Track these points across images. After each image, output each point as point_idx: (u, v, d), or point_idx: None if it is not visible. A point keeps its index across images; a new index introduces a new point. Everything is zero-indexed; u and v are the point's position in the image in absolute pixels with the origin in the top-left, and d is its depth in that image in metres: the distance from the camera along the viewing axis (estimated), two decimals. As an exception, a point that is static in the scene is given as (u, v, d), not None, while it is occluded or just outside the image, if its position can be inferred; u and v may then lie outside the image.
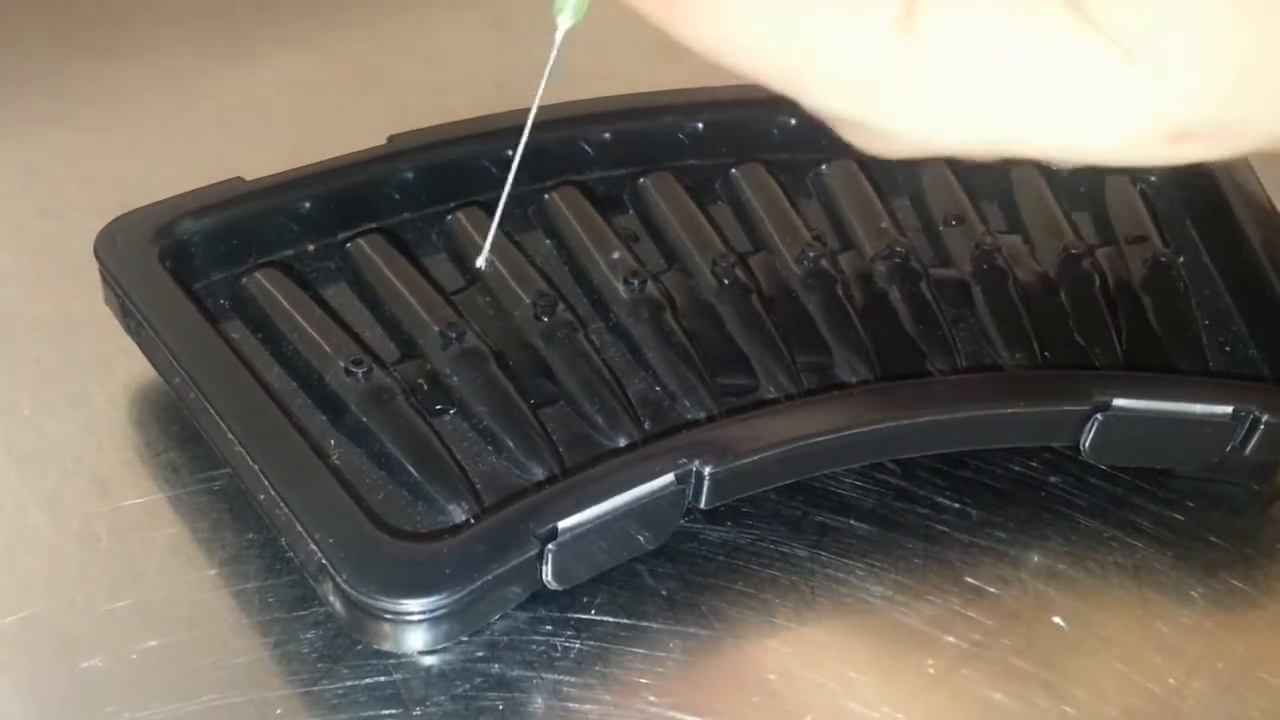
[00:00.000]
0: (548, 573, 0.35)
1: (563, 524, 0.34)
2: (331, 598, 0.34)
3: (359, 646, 0.35)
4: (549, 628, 0.35)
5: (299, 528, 0.34)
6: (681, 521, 0.38)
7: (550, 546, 0.34)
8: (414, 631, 0.34)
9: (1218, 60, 0.30)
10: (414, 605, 0.33)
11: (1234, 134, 0.31)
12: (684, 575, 0.37)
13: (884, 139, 0.33)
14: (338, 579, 0.33)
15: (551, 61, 0.34)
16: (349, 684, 0.34)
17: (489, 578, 0.33)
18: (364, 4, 0.58)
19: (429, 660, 0.35)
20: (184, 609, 0.35)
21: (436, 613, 0.33)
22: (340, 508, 0.34)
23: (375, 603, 0.33)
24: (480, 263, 0.40)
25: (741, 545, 0.38)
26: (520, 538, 0.34)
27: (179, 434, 0.39)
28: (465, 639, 0.35)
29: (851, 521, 0.39)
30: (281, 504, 0.34)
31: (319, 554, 0.33)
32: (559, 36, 0.33)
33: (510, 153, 0.41)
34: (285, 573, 0.36)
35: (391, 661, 0.34)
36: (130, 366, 0.41)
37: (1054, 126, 0.32)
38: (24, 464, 0.38)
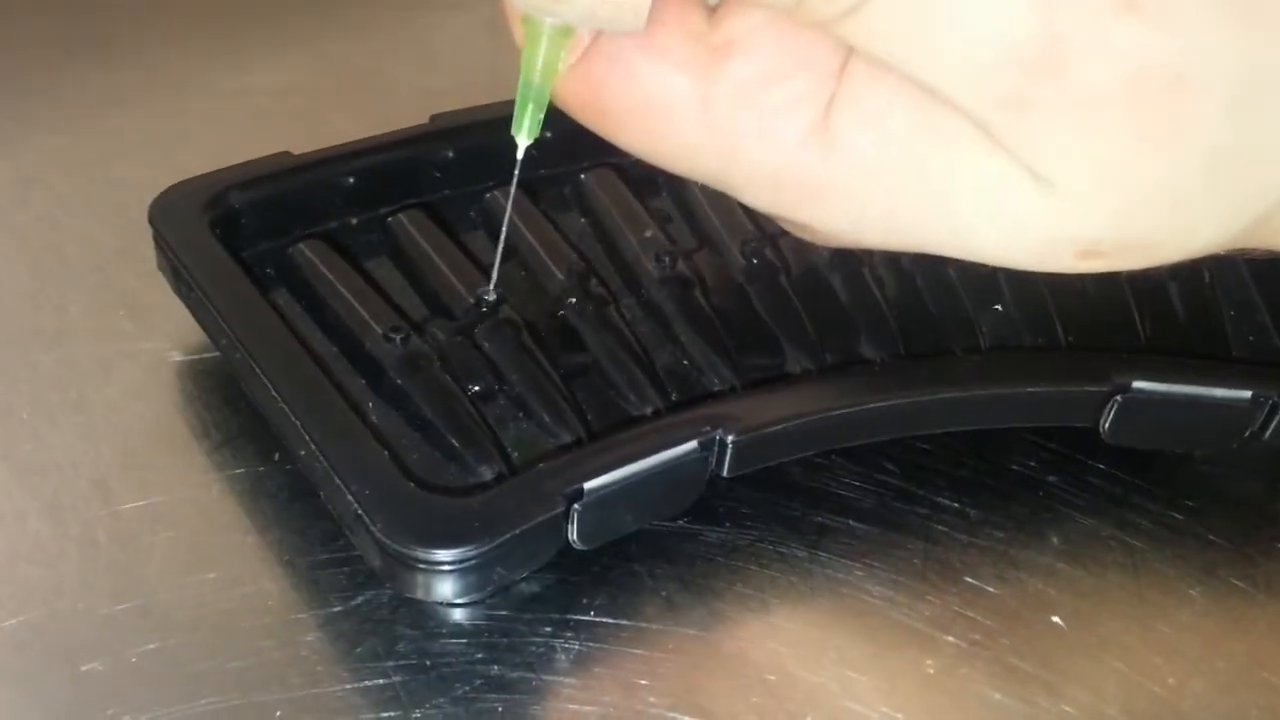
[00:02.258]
0: (573, 532, 0.35)
1: (589, 485, 0.35)
2: (366, 548, 0.35)
3: (358, 649, 0.35)
4: (548, 629, 0.36)
5: (337, 481, 0.35)
6: (683, 521, 0.38)
7: (576, 506, 0.35)
8: (444, 581, 0.35)
9: (1123, 184, 0.30)
10: (444, 555, 0.34)
11: (1143, 251, 0.32)
12: (683, 576, 0.37)
13: (811, 233, 0.34)
14: (373, 529, 0.34)
15: (516, 175, 0.37)
16: (348, 687, 0.34)
17: (517, 532, 0.34)
18: (356, 8, 0.58)
19: (428, 662, 0.35)
20: (184, 612, 0.35)
21: (466, 564, 0.34)
22: (376, 463, 0.35)
23: (409, 552, 0.34)
24: (489, 295, 0.40)
25: (740, 546, 0.38)
26: (547, 496, 0.35)
27: (177, 438, 0.39)
28: (464, 640, 0.35)
29: (850, 522, 0.39)
30: (321, 459, 0.35)
31: (355, 505, 0.34)
32: (519, 155, 0.36)
33: (549, 134, 0.42)
34: (284, 576, 0.36)
35: (390, 664, 0.34)
36: (128, 371, 0.41)
37: (964, 236, 0.33)
38: (22, 470, 0.38)
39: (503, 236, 0.39)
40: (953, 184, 0.31)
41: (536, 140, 0.35)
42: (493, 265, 0.41)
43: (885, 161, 0.32)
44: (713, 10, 0.33)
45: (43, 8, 0.56)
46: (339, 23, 0.57)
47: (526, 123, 0.35)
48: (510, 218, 0.40)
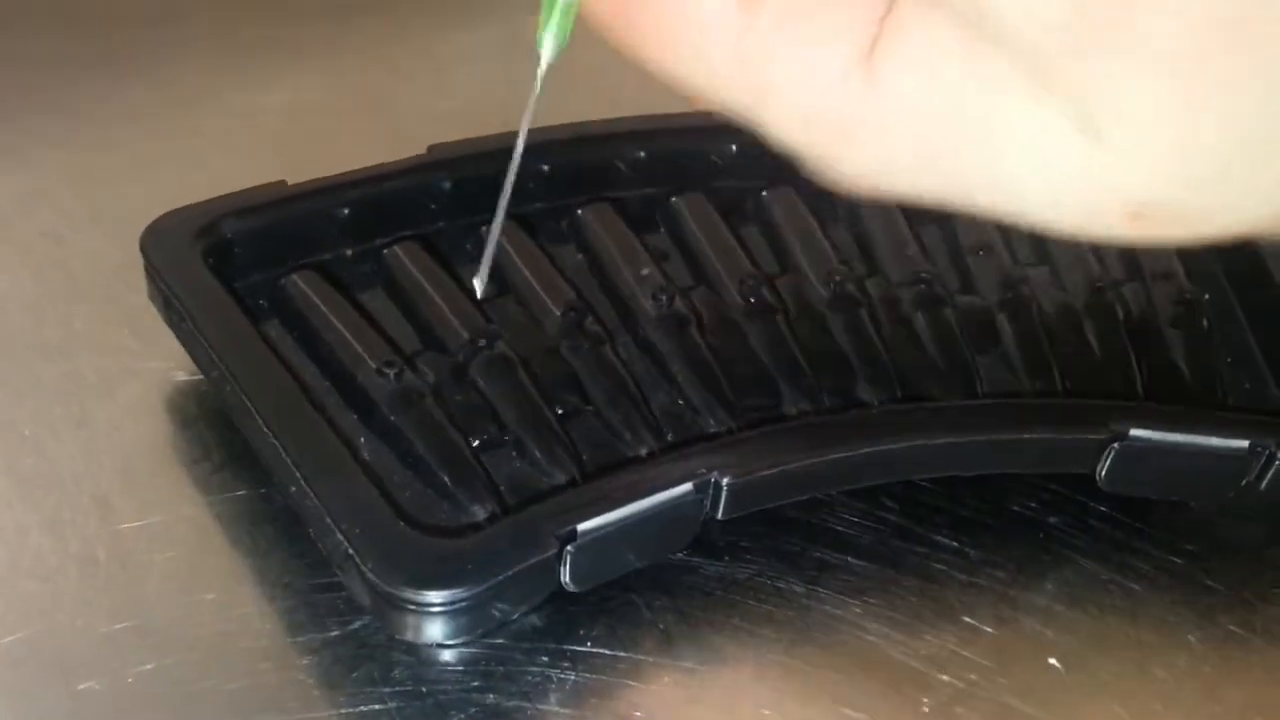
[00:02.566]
0: (566, 574, 0.35)
1: (582, 526, 0.35)
2: (356, 588, 0.35)
3: (355, 674, 0.35)
4: (545, 659, 0.35)
5: (327, 519, 0.35)
6: (682, 555, 0.38)
7: (569, 548, 0.35)
8: (434, 623, 0.34)
9: (1181, 143, 0.29)
10: (435, 597, 0.34)
11: (1190, 218, 0.31)
12: (680, 609, 0.37)
13: (841, 178, 0.33)
14: (363, 569, 0.34)
15: (537, 90, 0.33)
16: (344, 711, 0.34)
17: (509, 574, 0.34)
18: (368, 28, 0.58)
19: (424, 689, 0.35)
20: (182, 632, 0.35)
21: (457, 605, 0.34)
22: (367, 501, 0.35)
23: (398, 593, 0.34)
24: (479, 289, 0.40)
25: (739, 580, 0.38)
26: (540, 538, 0.35)
27: (179, 457, 0.39)
28: (460, 668, 0.35)
29: (849, 558, 0.39)
30: (311, 496, 0.35)
31: (345, 545, 0.34)
32: (542, 69, 0.32)
33: (546, 168, 0.43)
34: (282, 599, 0.36)
35: (386, 690, 0.34)
36: (131, 388, 0.41)
37: (1006, 188, 0.31)
38: (24, 485, 0.38)
39: (500, 212, 0.37)
40: (997, 132, 0.30)
41: (561, 50, 0.32)
42: (485, 300, 0.41)
43: (927, 104, 0.30)
44: None
45: (56, 24, 0.56)
46: (352, 43, 0.57)
47: (553, 27, 0.31)
48: (507, 196, 0.37)
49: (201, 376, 0.40)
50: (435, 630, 0.35)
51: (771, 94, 0.32)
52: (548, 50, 0.32)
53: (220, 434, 0.40)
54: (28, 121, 0.51)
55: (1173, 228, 0.31)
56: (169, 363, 0.41)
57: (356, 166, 0.44)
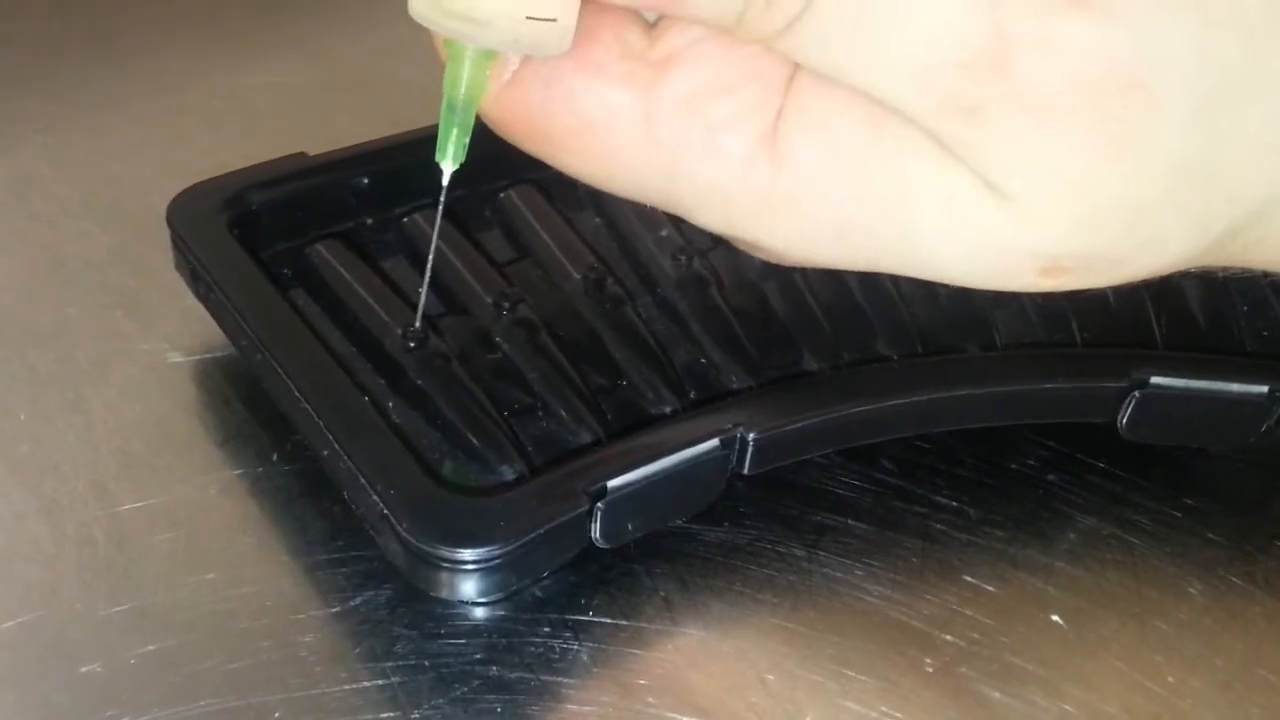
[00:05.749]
0: (596, 530, 0.36)
1: (612, 483, 0.35)
2: (391, 547, 0.35)
3: (357, 650, 0.35)
4: (547, 629, 0.35)
5: (361, 481, 0.35)
6: (681, 521, 0.38)
7: (599, 505, 0.35)
8: (468, 580, 0.35)
9: (1082, 194, 0.29)
10: (469, 555, 0.34)
11: (1107, 266, 0.31)
12: (681, 576, 0.37)
13: (764, 252, 0.33)
14: (398, 529, 0.34)
15: (442, 201, 0.36)
16: (347, 687, 0.34)
17: (541, 531, 0.35)
18: (355, 8, 0.58)
19: (426, 663, 0.35)
20: (182, 613, 0.35)
21: (490, 563, 0.34)
22: (401, 462, 0.35)
23: (433, 551, 0.34)
24: (414, 327, 0.40)
25: (739, 545, 0.38)
26: (571, 495, 0.35)
27: (175, 439, 0.39)
28: (462, 640, 0.35)
29: (849, 521, 0.39)
30: (345, 459, 0.35)
31: (380, 505, 0.35)
32: (445, 181, 0.35)
33: None
34: (282, 577, 0.36)
35: (389, 665, 0.34)
36: (126, 371, 0.41)
37: (919, 255, 0.31)
38: (20, 470, 0.38)
39: (430, 260, 0.39)
40: (906, 198, 0.30)
41: (461, 165, 0.34)
42: (505, 264, 0.41)
43: (835, 176, 0.31)
44: (651, 27, 0.32)
45: (42, 5, 0.56)
46: (339, 22, 0.57)
47: (451, 148, 0.34)
48: (436, 245, 0.39)
49: (196, 358, 0.41)
50: (469, 588, 0.35)
51: (684, 179, 0.32)
52: (449, 169, 0.34)
53: (215, 414, 0.40)
54: (16, 105, 0.51)
55: (1092, 276, 0.31)
56: (163, 344, 0.41)
57: (345, 143, 0.44)
